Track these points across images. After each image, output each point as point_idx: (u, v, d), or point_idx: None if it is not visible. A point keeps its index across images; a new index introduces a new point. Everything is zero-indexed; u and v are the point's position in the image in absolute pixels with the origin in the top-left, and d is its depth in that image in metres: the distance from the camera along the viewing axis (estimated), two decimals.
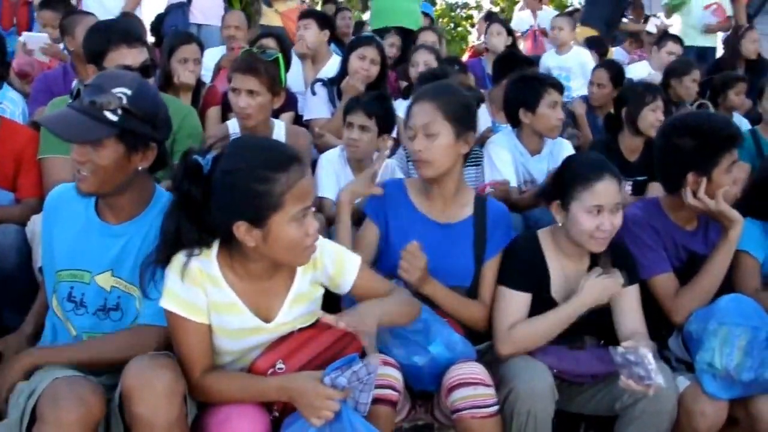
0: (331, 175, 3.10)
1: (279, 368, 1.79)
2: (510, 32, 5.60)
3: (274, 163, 1.67)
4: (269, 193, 1.65)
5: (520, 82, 3.36)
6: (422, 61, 4.34)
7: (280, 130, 3.19)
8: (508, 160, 3.29)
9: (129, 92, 1.82)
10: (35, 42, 4.36)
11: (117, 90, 1.81)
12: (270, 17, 5.76)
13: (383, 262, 2.32)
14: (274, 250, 1.72)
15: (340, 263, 1.93)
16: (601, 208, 2.18)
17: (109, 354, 1.87)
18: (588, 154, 2.41)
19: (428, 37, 5.25)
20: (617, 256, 2.29)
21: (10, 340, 2.13)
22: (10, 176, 2.79)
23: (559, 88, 3.32)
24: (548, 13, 7.36)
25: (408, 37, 5.54)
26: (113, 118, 1.81)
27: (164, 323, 1.82)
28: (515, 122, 3.38)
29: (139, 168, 1.91)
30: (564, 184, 2.27)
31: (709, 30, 6.40)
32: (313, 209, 1.80)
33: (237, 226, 1.68)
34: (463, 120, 2.26)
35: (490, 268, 2.32)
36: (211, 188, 1.67)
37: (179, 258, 1.75)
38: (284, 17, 5.82)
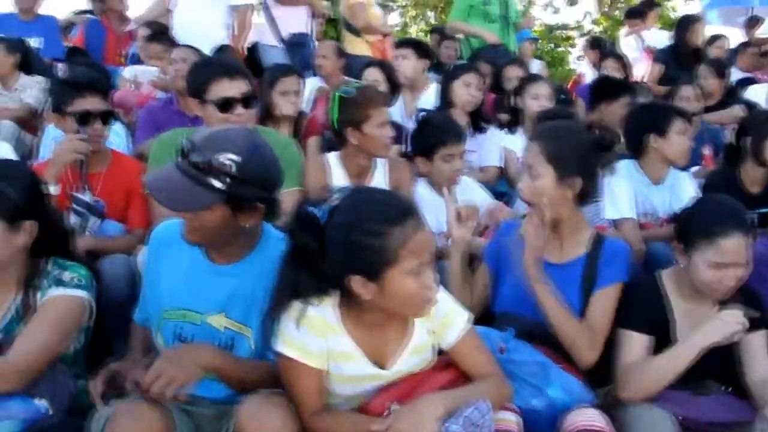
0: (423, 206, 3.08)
1: (393, 410, 1.73)
2: (622, 61, 5.49)
3: (389, 217, 1.63)
4: (384, 248, 1.61)
5: (647, 108, 3.30)
6: (514, 76, 4.38)
7: (381, 163, 3.18)
8: (627, 191, 3.17)
9: (238, 159, 1.76)
10: (145, 75, 4.54)
11: (225, 157, 1.75)
12: (357, 46, 5.82)
13: (497, 303, 2.30)
14: (391, 303, 1.69)
15: (447, 318, 1.86)
16: (725, 265, 2.05)
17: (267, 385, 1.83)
18: (716, 201, 2.24)
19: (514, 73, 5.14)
20: (746, 298, 2.15)
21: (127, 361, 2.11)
22: (120, 207, 2.90)
23: (687, 116, 3.24)
24: (654, 34, 7.03)
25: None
26: (220, 186, 1.76)
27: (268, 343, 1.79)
28: (637, 151, 3.27)
29: (246, 226, 1.88)
30: (687, 230, 2.14)
31: None
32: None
33: (352, 280, 1.65)
34: (567, 164, 2.19)
35: (600, 297, 2.19)
36: (326, 240, 1.64)
37: (298, 306, 1.73)
38: (373, 47, 5.89)
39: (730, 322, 2.06)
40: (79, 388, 2.02)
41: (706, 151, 4.25)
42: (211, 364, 1.80)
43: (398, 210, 1.66)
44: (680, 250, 2.16)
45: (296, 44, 5.31)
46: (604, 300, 2.19)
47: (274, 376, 1.82)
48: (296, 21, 5.37)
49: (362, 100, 3.00)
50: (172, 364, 1.73)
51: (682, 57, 5.93)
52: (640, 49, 6.96)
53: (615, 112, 4.09)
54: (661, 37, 6.72)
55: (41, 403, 1.84)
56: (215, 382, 1.92)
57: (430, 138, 3.12)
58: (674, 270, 2.24)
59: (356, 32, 5.77)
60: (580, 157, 2.22)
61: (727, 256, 2.04)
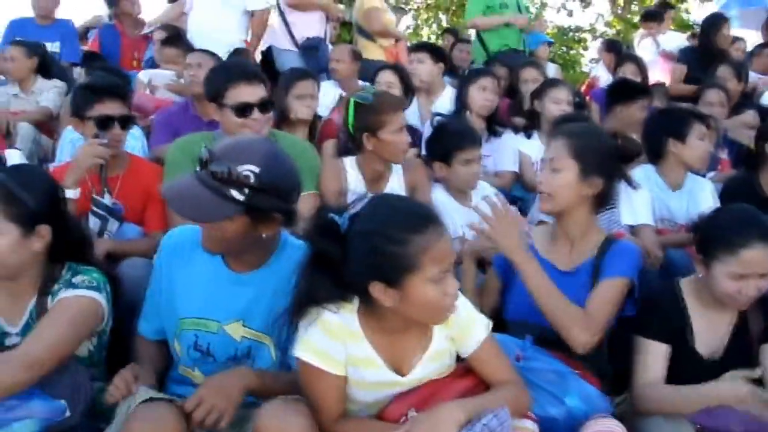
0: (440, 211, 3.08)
1: (411, 416, 1.73)
2: (640, 64, 5.45)
3: (410, 225, 1.63)
4: (405, 255, 1.61)
5: (667, 113, 3.30)
6: (531, 78, 4.39)
7: (397, 166, 3.17)
8: (645, 197, 3.15)
9: (257, 170, 1.76)
10: (161, 79, 4.56)
11: (245, 168, 1.76)
12: (372, 51, 5.82)
13: (508, 311, 2.30)
14: (411, 310, 1.68)
15: (467, 325, 1.85)
16: (746, 276, 2.03)
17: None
18: (737, 210, 2.20)
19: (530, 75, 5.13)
20: (765, 306, 2.13)
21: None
22: (137, 211, 2.90)
23: (706, 121, 3.22)
24: (671, 37, 6.97)
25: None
26: (239, 197, 1.76)
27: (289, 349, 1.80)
28: (655, 155, 3.27)
29: (264, 236, 1.88)
30: (707, 241, 2.12)
31: None
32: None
33: (373, 286, 1.65)
34: (591, 162, 2.20)
35: (602, 285, 2.14)
36: (347, 247, 1.64)
37: (318, 311, 1.73)
38: (387, 52, 5.89)
39: (749, 396, 2.02)
40: (96, 390, 2.03)
41: (724, 155, 4.22)
42: (249, 388, 1.81)
43: (421, 217, 1.66)
44: (700, 260, 2.13)
45: (310, 48, 5.31)
46: (606, 288, 2.13)
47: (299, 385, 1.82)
48: (311, 25, 5.36)
49: (378, 107, 2.98)
50: (213, 392, 1.75)
51: (706, 58, 5.83)
52: (655, 53, 6.91)
53: (632, 115, 4.08)
54: (677, 40, 6.67)
55: (60, 404, 1.85)
56: None
57: (448, 143, 3.12)
58: (694, 278, 2.22)
59: (370, 37, 5.76)
60: (604, 158, 2.24)
61: (748, 267, 2.02)
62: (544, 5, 16.35)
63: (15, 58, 4.67)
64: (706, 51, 5.95)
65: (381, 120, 2.95)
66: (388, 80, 4.24)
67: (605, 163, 2.23)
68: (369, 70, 4.93)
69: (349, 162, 3.14)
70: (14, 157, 3.33)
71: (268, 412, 1.68)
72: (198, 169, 1.81)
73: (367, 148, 3.01)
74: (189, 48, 4.68)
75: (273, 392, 1.80)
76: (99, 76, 3.47)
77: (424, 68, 4.49)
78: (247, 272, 1.95)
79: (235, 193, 1.76)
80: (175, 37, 5.03)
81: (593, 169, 2.20)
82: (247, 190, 1.76)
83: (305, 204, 2.79)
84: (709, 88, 4.69)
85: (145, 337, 2.13)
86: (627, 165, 2.36)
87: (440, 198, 3.11)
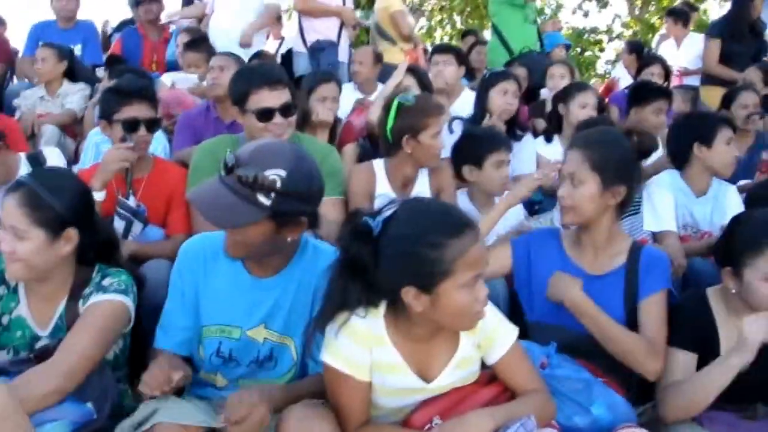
0: None
1: (436, 424, 1.73)
2: (666, 67, 5.38)
3: (447, 229, 1.62)
4: (440, 260, 1.60)
5: (692, 117, 3.25)
6: (558, 74, 4.42)
7: (423, 170, 3.16)
8: (669, 203, 3.11)
9: (283, 174, 1.76)
10: (184, 82, 4.59)
11: (271, 172, 1.75)
12: (393, 54, 5.81)
13: (533, 314, 2.28)
14: (442, 316, 1.68)
15: (494, 332, 1.84)
16: None
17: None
18: (757, 214, 2.19)
19: (558, 71, 5.11)
20: None
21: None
22: (161, 213, 2.91)
23: (732, 125, 3.18)
24: (694, 40, 6.74)
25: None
26: (266, 202, 1.76)
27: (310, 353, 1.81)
28: (681, 161, 3.22)
29: (288, 239, 1.87)
30: (733, 248, 2.09)
31: None
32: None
33: (405, 291, 1.64)
34: (612, 172, 2.18)
35: (648, 305, 2.15)
36: (380, 251, 1.64)
37: (345, 316, 1.73)
38: (408, 55, 5.85)
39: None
40: (120, 392, 2.07)
41: (765, 155, 4.10)
42: (277, 404, 1.78)
43: (457, 221, 1.66)
44: (729, 274, 2.10)
45: (318, 50, 5.32)
46: (653, 307, 2.15)
47: (321, 389, 1.82)
48: (324, 29, 5.35)
49: (422, 109, 2.98)
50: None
51: (738, 31, 5.69)
52: (675, 55, 6.80)
53: (646, 118, 4.00)
54: (699, 43, 6.49)
55: (88, 406, 1.87)
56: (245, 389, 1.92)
57: (481, 145, 3.11)
58: (720, 288, 2.19)
59: (391, 40, 5.75)
60: (624, 164, 2.22)
61: None
62: (559, 6, 16.28)
63: (46, 60, 4.73)
64: (737, 24, 5.77)
65: (424, 122, 2.95)
66: (406, 83, 4.23)
67: (626, 170, 2.21)
68: (389, 73, 4.94)
69: (379, 165, 3.13)
70: (53, 155, 3.40)
71: (292, 417, 1.68)
72: (223, 173, 1.81)
73: (405, 150, 2.99)
74: (211, 52, 4.71)
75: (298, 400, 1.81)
76: (127, 79, 3.47)
77: (450, 71, 4.48)
78: (269, 277, 1.96)
79: (261, 198, 1.76)
80: (198, 40, 5.04)
81: (615, 178, 2.18)
82: (273, 195, 1.76)
83: (332, 209, 2.80)
84: (743, 90, 4.57)
85: (164, 350, 2.03)
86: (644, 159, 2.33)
87: (463, 207, 3.06)
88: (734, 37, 5.70)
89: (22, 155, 3.34)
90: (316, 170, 1.88)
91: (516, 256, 2.36)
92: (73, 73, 4.85)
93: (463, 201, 3.15)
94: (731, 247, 2.12)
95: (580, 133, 2.38)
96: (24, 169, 3.21)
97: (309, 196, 1.84)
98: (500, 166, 3.08)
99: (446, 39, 14.68)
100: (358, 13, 5.19)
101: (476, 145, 3.12)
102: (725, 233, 2.21)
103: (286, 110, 2.79)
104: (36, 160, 3.28)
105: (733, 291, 2.11)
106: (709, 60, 5.89)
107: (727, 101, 4.35)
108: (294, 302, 1.92)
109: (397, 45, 5.72)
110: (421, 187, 3.12)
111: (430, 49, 6.21)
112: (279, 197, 1.76)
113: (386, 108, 3.05)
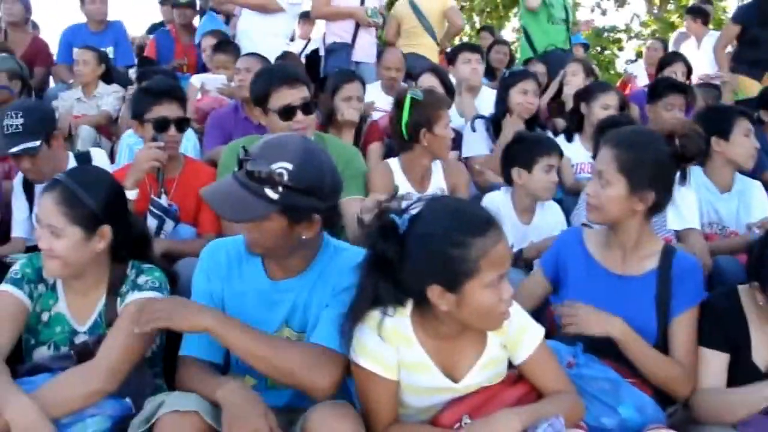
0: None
1: (465, 423, 1.74)
2: (688, 65, 5.34)
3: (472, 228, 1.63)
4: (465, 259, 1.61)
5: (709, 111, 3.24)
6: (570, 71, 4.56)
7: (437, 166, 3.22)
8: (692, 200, 3.06)
9: (290, 167, 1.74)
10: (212, 83, 4.67)
11: (278, 165, 1.74)
12: (427, 50, 5.78)
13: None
14: (467, 315, 1.69)
15: (521, 332, 1.84)
16: None
17: (288, 363, 1.78)
18: None
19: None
20: None
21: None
22: (192, 212, 2.97)
23: (750, 117, 3.15)
24: (715, 37, 6.65)
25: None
26: (273, 195, 1.74)
27: (344, 351, 1.78)
28: (701, 156, 3.15)
29: (303, 237, 1.84)
30: (762, 264, 2.04)
31: None
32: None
33: (431, 290, 1.65)
34: (641, 177, 2.10)
35: (682, 323, 2.13)
36: (406, 249, 1.65)
37: (374, 315, 1.74)
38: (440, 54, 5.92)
39: None
40: (156, 387, 2.11)
41: None
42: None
43: (482, 220, 1.66)
44: (759, 289, 2.05)
45: (329, 52, 5.35)
46: (685, 328, 2.13)
47: (323, 361, 1.79)
48: (342, 30, 5.34)
49: (432, 102, 3.11)
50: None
51: (765, 14, 5.56)
52: (695, 55, 6.71)
53: (658, 114, 3.96)
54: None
55: (127, 402, 1.92)
56: (272, 389, 1.96)
57: (532, 148, 3.10)
58: (750, 288, 2.14)
59: (434, 37, 5.75)
60: (655, 169, 2.11)
61: None
62: (577, 5, 16.08)
63: (88, 62, 4.87)
64: (764, 6, 5.63)
65: (436, 114, 3.06)
66: (430, 83, 4.24)
67: (658, 176, 2.12)
68: (421, 65, 4.94)
69: (395, 163, 3.19)
70: (99, 155, 3.49)
71: (317, 416, 1.68)
72: (236, 169, 1.83)
73: (423, 143, 3.07)
74: (238, 53, 4.80)
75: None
76: (157, 80, 3.55)
77: (481, 69, 4.52)
78: (290, 278, 1.95)
79: (269, 192, 1.74)
80: (225, 42, 5.14)
81: (644, 183, 2.09)
82: (281, 188, 1.74)
83: (353, 208, 2.84)
84: None
85: (196, 358, 1.94)
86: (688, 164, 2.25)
87: (504, 211, 3.03)
88: (763, 23, 5.58)
89: (71, 154, 3.42)
90: (330, 166, 1.85)
91: (547, 273, 2.36)
92: (109, 75, 4.98)
93: (505, 206, 3.11)
94: (760, 263, 2.06)
95: (614, 131, 2.27)
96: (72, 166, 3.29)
97: (319, 191, 1.79)
98: (550, 170, 3.08)
99: (465, 39, 14.63)
100: (369, 12, 5.18)
101: (527, 149, 3.11)
102: (758, 250, 2.11)
103: (306, 107, 2.84)
104: (85, 158, 3.37)
105: (761, 303, 2.07)
106: (719, 42, 5.83)
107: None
108: (308, 298, 1.92)
109: (439, 44, 5.76)
110: (438, 182, 3.18)
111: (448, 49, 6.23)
112: (287, 191, 1.74)
113: (398, 105, 3.13)
